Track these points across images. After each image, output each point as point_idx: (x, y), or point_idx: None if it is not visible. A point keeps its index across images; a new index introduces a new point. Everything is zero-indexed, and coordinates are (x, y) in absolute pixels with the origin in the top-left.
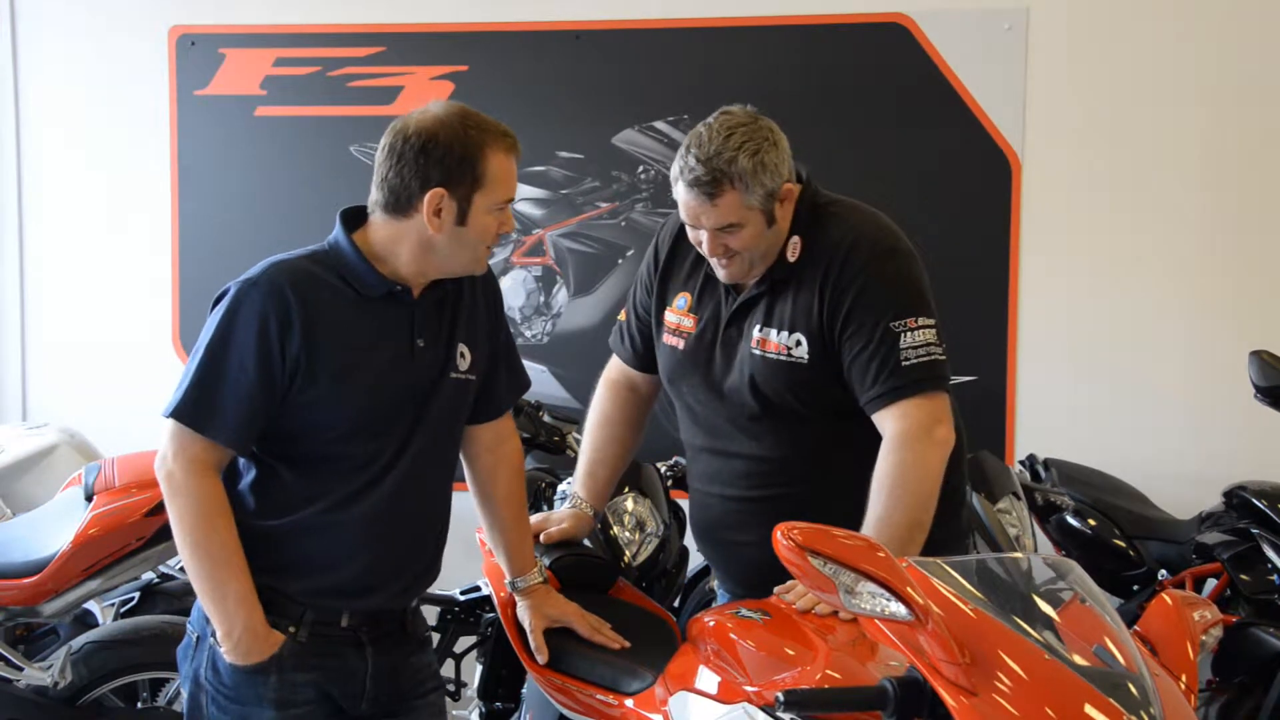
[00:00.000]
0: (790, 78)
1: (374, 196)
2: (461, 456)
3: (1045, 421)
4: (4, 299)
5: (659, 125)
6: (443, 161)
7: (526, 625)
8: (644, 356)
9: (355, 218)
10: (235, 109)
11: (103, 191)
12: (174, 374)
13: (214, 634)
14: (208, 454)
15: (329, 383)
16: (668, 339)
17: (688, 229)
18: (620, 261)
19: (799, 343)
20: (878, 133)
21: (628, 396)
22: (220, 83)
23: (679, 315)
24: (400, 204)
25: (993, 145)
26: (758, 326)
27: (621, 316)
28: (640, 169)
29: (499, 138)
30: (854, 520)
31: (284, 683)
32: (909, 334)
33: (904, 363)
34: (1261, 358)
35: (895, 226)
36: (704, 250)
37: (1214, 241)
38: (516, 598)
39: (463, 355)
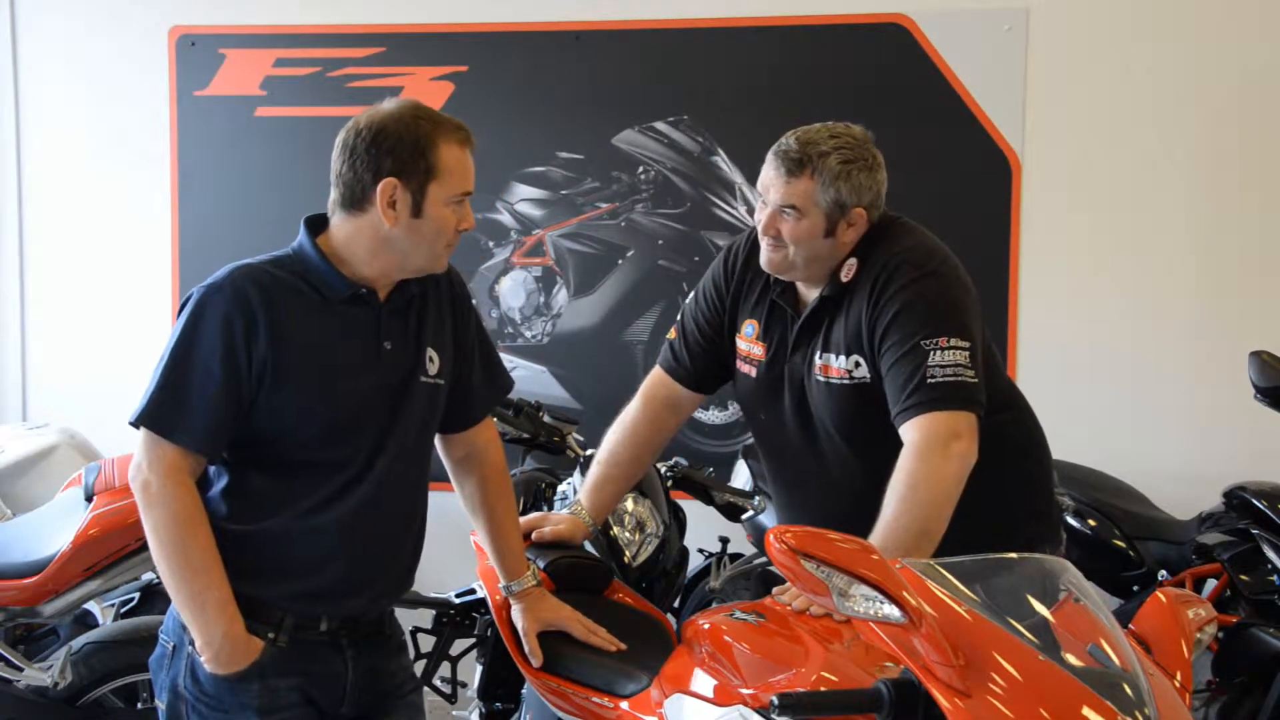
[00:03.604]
0: (790, 78)
1: (332, 196)
2: (445, 464)
3: (1045, 422)
4: (4, 299)
5: (659, 125)
6: (394, 152)
7: (520, 629)
8: (696, 375)
9: (320, 224)
10: (235, 109)
11: (103, 191)
12: None
13: (192, 643)
14: (182, 461)
15: (296, 386)
16: (741, 366)
17: (756, 204)
18: (620, 262)
19: (858, 364)
20: (878, 133)
21: (665, 418)
22: (220, 83)
23: (749, 343)
24: (355, 198)
25: (993, 145)
26: (818, 353)
27: (671, 335)
28: (640, 169)
29: (452, 130)
30: (956, 545)
31: (267, 689)
32: (938, 353)
33: (929, 380)
34: (1261, 358)
35: (944, 250)
36: (760, 226)
37: (1214, 241)
38: (511, 601)
39: (431, 359)
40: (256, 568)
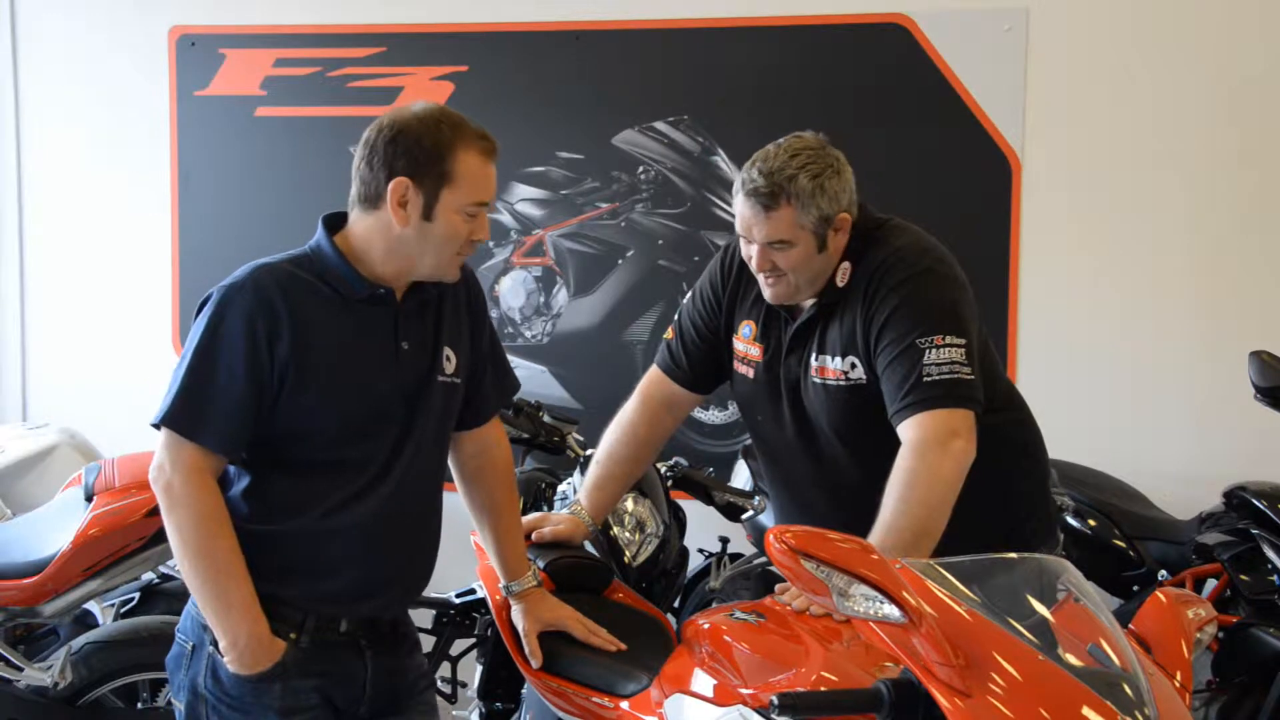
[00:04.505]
0: (790, 78)
1: (351, 193)
2: (450, 462)
3: (1045, 421)
4: (4, 299)
5: (659, 125)
6: (410, 152)
7: (520, 629)
8: (693, 376)
9: (338, 222)
10: (235, 109)
11: (103, 191)
12: None
13: (214, 643)
14: (205, 461)
15: (317, 386)
16: (739, 367)
17: (741, 243)
18: (620, 262)
19: (854, 365)
20: (878, 133)
21: (662, 417)
22: (220, 83)
23: (746, 344)
24: (370, 195)
25: (993, 145)
26: (814, 355)
27: (668, 335)
28: (640, 169)
29: (474, 139)
30: (954, 545)
31: (289, 690)
32: (934, 350)
33: (926, 378)
34: (1261, 358)
35: (939, 248)
36: (752, 266)
37: (1214, 241)
38: (511, 601)
39: (448, 359)
40: (278, 568)
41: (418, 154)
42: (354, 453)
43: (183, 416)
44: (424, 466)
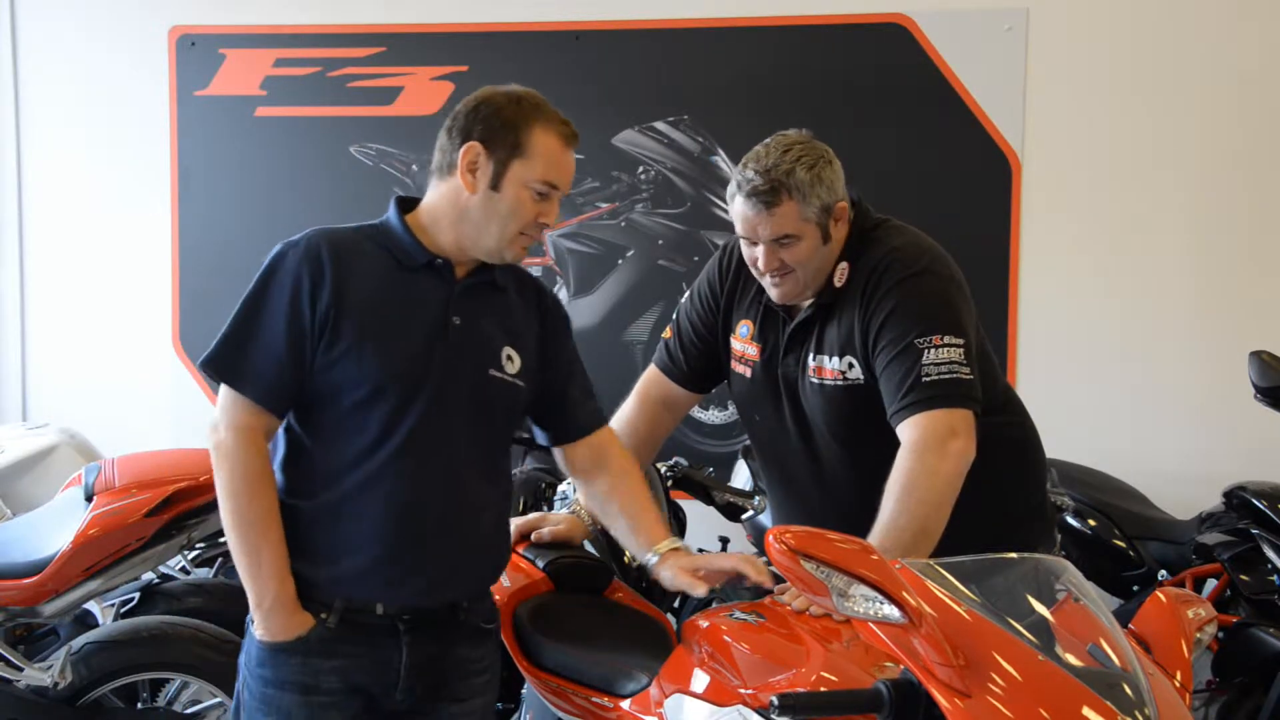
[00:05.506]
0: (790, 78)
1: (431, 164)
2: (570, 472)
3: (1045, 422)
4: (4, 299)
5: (659, 125)
6: (487, 121)
7: (683, 585)
8: (691, 375)
9: (411, 204)
10: (235, 109)
11: (103, 192)
12: (174, 375)
13: (253, 621)
14: (255, 420)
15: (352, 340)
16: (736, 367)
17: (743, 246)
18: (620, 262)
19: (851, 365)
20: (878, 133)
21: (661, 416)
22: (220, 83)
23: (744, 343)
24: (445, 161)
25: (993, 145)
26: (811, 355)
27: (666, 334)
28: (640, 169)
29: (555, 122)
30: (951, 547)
31: (308, 667)
32: (933, 350)
33: (925, 378)
34: (1261, 358)
35: (936, 249)
36: (759, 267)
37: (1214, 241)
38: (658, 570)
39: (510, 358)
40: (302, 546)
41: (495, 123)
42: (385, 416)
43: (224, 363)
44: (467, 460)
